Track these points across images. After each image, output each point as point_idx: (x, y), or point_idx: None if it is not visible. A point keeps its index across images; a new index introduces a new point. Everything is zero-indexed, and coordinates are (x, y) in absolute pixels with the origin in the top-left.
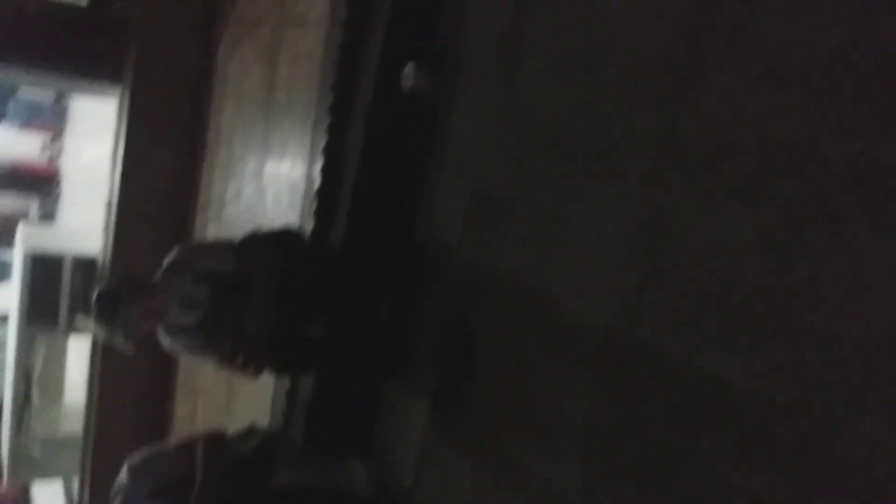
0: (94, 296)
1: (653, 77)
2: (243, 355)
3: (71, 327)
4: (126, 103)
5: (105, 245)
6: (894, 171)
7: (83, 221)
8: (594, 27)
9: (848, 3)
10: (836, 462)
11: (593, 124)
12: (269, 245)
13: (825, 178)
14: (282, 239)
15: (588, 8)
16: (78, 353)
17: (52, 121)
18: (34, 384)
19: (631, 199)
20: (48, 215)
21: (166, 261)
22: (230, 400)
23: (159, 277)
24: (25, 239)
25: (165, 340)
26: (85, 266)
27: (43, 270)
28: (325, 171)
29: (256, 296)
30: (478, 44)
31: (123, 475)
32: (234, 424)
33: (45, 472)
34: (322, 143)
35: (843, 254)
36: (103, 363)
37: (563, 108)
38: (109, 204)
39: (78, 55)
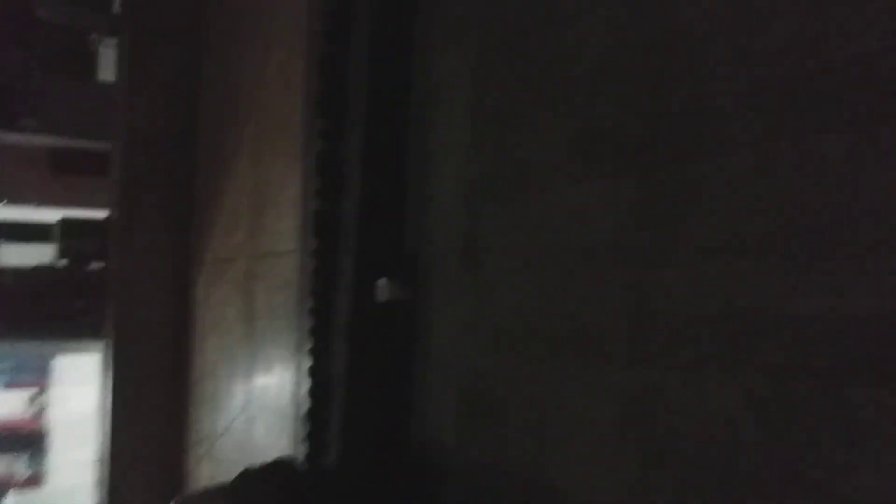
0: None
1: (612, 262)
2: None
3: None
4: (110, 356)
5: (99, 501)
6: (869, 323)
7: (72, 479)
8: (546, 224)
9: (787, 166)
10: None
11: (564, 312)
12: (263, 483)
13: (801, 336)
14: (275, 473)
15: (536, 208)
16: None
17: (36, 376)
18: None
19: (616, 380)
20: (36, 476)
21: None
22: None
23: None
24: None
25: None
26: None
27: None
28: (312, 393)
29: None
30: (443, 249)
31: None
32: None
33: None
34: (306, 366)
35: (834, 409)
36: None
37: (532, 300)
38: (100, 459)
39: (57, 316)
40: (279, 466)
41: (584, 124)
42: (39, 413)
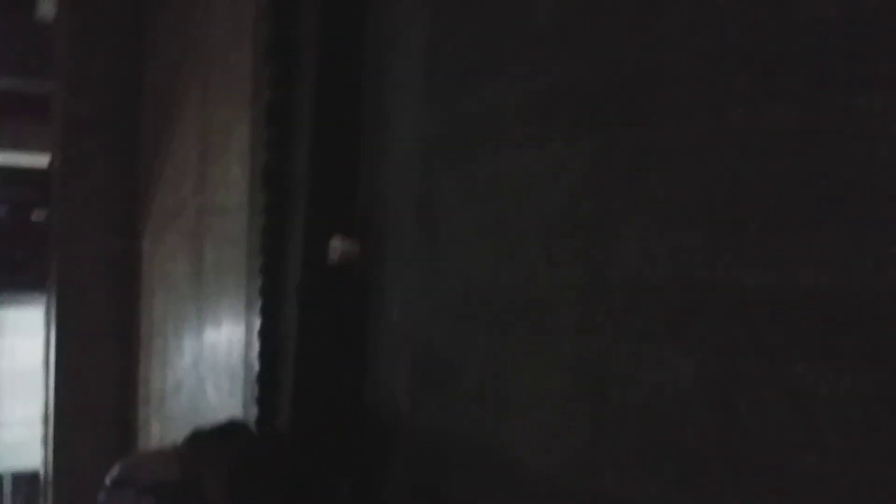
0: None
1: (564, 231)
2: None
3: None
4: (53, 309)
5: (45, 459)
6: (813, 297)
7: (22, 433)
8: (500, 189)
9: (741, 135)
10: None
11: (516, 280)
12: (215, 443)
13: (749, 311)
14: (226, 433)
15: (491, 171)
16: None
17: None
18: None
19: (568, 350)
20: None
21: (108, 478)
22: None
23: (102, 498)
24: None
25: None
26: (26, 481)
27: None
28: (262, 355)
29: (209, 501)
30: (396, 211)
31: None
32: None
33: None
34: (256, 326)
35: (780, 385)
36: None
37: (486, 266)
38: (46, 415)
39: None
40: (231, 428)
41: (540, 83)
42: None
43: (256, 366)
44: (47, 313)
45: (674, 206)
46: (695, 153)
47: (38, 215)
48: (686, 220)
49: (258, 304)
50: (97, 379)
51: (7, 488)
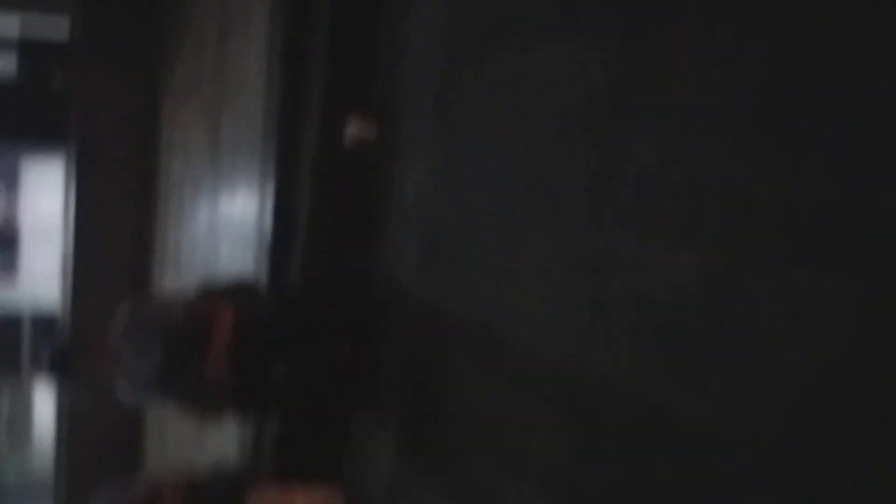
0: (48, 355)
1: (581, 125)
2: (203, 405)
3: (34, 376)
4: (72, 165)
5: (63, 302)
6: (816, 207)
7: (43, 275)
8: (520, 83)
9: (760, 43)
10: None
11: (530, 170)
12: (223, 296)
13: (756, 217)
14: (236, 290)
15: (513, 66)
16: (44, 399)
17: (5, 175)
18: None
19: (573, 240)
20: (7, 267)
21: (119, 316)
22: (200, 435)
23: (113, 332)
24: None
25: (122, 394)
26: (44, 322)
27: (3, 328)
28: (275, 228)
29: (213, 347)
30: (414, 100)
31: None
32: (206, 457)
33: None
34: (270, 198)
35: (776, 288)
36: (71, 408)
37: (500, 156)
38: (64, 262)
39: (19, 127)
40: (239, 285)
41: None
42: (10, 212)
43: (268, 238)
44: (67, 166)
45: (694, 112)
46: (721, 58)
47: (58, 80)
48: (707, 127)
49: (273, 178)
50: (114, 229)
51: (26, 326)
